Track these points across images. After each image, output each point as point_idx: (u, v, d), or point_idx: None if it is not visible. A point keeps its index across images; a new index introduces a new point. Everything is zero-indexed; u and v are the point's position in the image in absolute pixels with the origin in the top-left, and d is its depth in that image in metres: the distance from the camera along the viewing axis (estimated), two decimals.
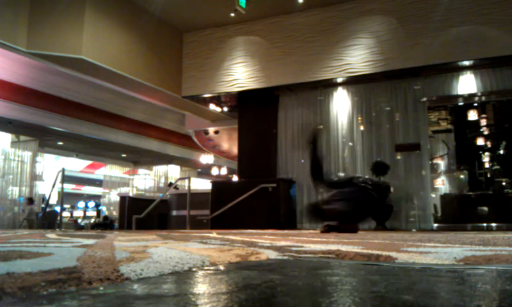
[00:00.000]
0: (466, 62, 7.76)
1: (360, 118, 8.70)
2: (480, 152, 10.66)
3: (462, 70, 8.01)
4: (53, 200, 14.90)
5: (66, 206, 20.95)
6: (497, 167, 10.09)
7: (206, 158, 16.19)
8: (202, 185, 20.19)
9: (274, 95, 9.36)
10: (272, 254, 1.59)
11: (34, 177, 13.59)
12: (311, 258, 1.49)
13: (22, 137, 13.30)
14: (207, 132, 12.64)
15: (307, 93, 9.10)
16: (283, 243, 2.28)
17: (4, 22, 7.09)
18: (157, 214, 9.42)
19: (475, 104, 9.13)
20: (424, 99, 8.25)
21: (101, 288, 0.85)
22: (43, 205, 12.99)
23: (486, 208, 8.28)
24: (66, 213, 20.16)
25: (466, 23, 7.51)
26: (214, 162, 17.32)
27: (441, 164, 10.95)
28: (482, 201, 8.50)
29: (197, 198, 8.79)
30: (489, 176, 10.26)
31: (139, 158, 17.78)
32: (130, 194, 12.74)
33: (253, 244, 2.22)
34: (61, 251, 1.59)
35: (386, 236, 3.38)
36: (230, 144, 13.59)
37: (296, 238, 2.96)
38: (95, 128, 12.90)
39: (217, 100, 10.36)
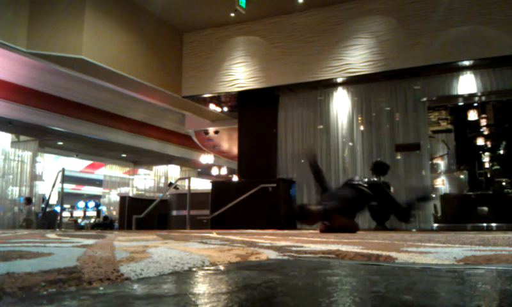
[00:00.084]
0: (466, 62, 7.76)
1: (360, 118, 8.70)
2: (480, 152, 10.66)
3: (462, 70, 8.02)
4: (53, 200, 14.90)
5: (66, 206, 20.95)
6: (497, 167, 10.08)
7: (206, 158, 16.19)
8: (202, 185, 20.20)
9: (274, 95, 9.36)
10: (272, 254, 1.59)
11: (34, 177, 13.59)
12: (311, 258, 1.49)
13: (22, 137, 13.31)
14: (207, 132, 12.64)
15: (307, 93, 9.10)
16: (283, 243, 2.28)
17: (4, 22, 7.09)
18: (157, 214, 9.43)
19: (475, 104, 9.13)
20: (424, 99, 8.26)
21: (101, 288, 0.85)
22: (43, 205, 13.00)
23: (486, 208, 8.27)
24: (66, 213, 20.16)
25: (466, 23, 7.52)
26: (214, 162, 17.33)
27: (441, 164, 10.95)
28: (482, 201, 8.50)
29: (197, 198, 8.79)
30: (489, 176, 10.26)
31: (139, 158, 17.78)
32: (130, 194, 12.74)
33: (253, 244, 2.22)
34: (61, 251, 1.59)
35: (386, 236, 3.38)
36: (230, 144, 13.59)
37: (296, 238, 2.96)
38: (95, 128, 12.91)
39: (217, 100, 10.36)
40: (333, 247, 1.82)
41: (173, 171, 19.00)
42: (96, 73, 8.35)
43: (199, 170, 20.28)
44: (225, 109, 10.86)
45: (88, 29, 7.57)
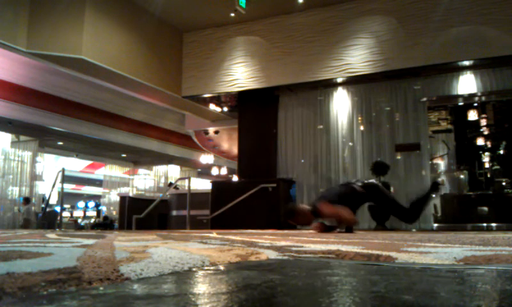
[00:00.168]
0: (466, 62, 7.76)
1: (360, 118, 8.70)
2: (480, 152, 10.66)
3: (462, 70, 8.01)
4: (53, 200, 14.90)
5: (66, 206, 20.95)
6: (497, 167, 10.08)
7: (206, 158, 16.19)
8: (202, 185, 20.20)
9: (274, 95, 9.36)
10: (272, 254, 1.59)
11: (34, 177, 13.59)
12: (311, 258, 1.49)
13: (22, 137, 13.30)
14: (207, 132, 12.64)
15: (307, 93, 9.10)
16: (283, 243, 2.28)
17: (4, 22, 7.09)
18: (157, 214, 9.43)
19: (475, 104, 9.13)
20: (424, 99, 8.25)
21: (101, 288, 0.85)
22: (43, 205, 12.99)
23: (486, 208, 8.27)
24: (66, 213, 20.16)
25: (466, 23, 7.51)
26: (214, 162, 17.33)
27: (441, 164, 10.95)
28: (482, 201, 8.50)
29: (197, 198, 8.79)
30: (489, 176, 10.26)
31: (139, 158, 17.78)
32: (130, 194, 12.74)
33: (253, 244, 2.22)
34: (61, 251, 1.59)
35: (386, 236, 3.38)
36: (230, 144, 13.59)
37: (296, 238, 2.96)
38: (95, 128, 12.91)
39: (217, 100, 10.36)
40: (333, 247, 1.82)
41: (173, 171, 18.99)
42: (96, 73, 8.35)
43: (199, 170, 20.28)
44: (225, 109, 10.86)
45: (88, 29, 7.56)
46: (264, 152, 9.21)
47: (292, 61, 8.74)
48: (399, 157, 8.28)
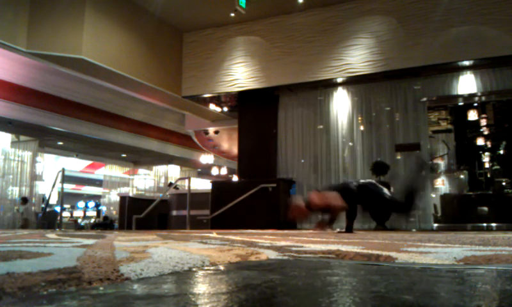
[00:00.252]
0: (466, 62, 7.76)
1: (360, 118, 8.70)
2: (480, 152, 10.66)
3: (462, 70, 8.01)
4: (53, 200, 14.90)
5: (66, 206, 20.95)
6: (497, 167, 10.08)
7: (206, 158, 16.19)
8: (202, 185, 20.19)
9: (274, 95, 9.36)
10: (272, 254, 1.59)
11: (34, 177, 13.59)
12: (311, 258, 1.49)
13: (22, 137, 13.30)
14: (207, 132, 12.64)
15: (307, 93, 9.10)
16: (283, 243, 2.28)
17: (4, 22, 7.09)
18: (157, 214, 9.42)
19: (475, 104, 9.13)
20: (424, 99, 8.25)
21: (101, 288, 0.85)
22: (43, 205, 12.99)
23: (486, 208, 8.27)
24: (66, 213, 20.16)
25: (466, 23, 7.51)
26: (214, 162, 17.32)
27: (441, 164, 10.95)
28: (482, 201, 8.50)
29: (197, 198, 8.79)
30: (489, 176, 10.26)
31: (139, 158, 17.78)
32: (130, 194, 12.73)
33: (253, 244, 2.22)
34: (61, 251, 1.59)
35: (386, 236, 3.38)
36: (230, 144, 13.59)
37: (295, 238, 2.96)
38: (95, 128, 12.90)
39: (217, 100, 10.36)
40: (333, 247, 1.82)
41: (173, 171, 18.99)
42: (96, 73, 8.35)
43: (199, 170, 20.28)
44: (225, 109, 10.86)
45: (88, 29, 7.56)
46: (264, 152, 9.21)
47: (292, 61, 8.74)
48: (399, 157, 8.28)
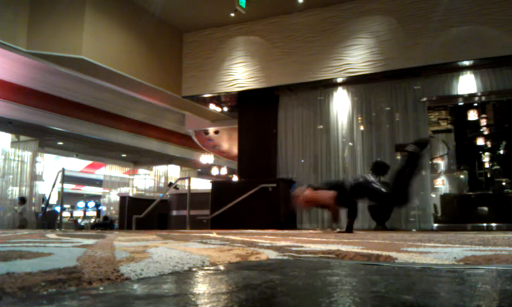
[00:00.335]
0: (466, 62, 7.76)
1: (360, 118, 8.69)
2: (480, 152, 10.67)
3: (462, 70, 8.01)
4: (53, 200, 14.90)
5: (66, 206, 20.96)
6: (497, 167, 10.09)
7: (206, 158, 16.19)
8: (202, 185, 20.19)
9: (274, 95, 9.36)
10: (272, 254, 1.59)
11: (34, 177, 13.59)
12: (311, 258, 1.49)
13: (22, 137, 13.30)
14: (207, 132, 12.64)
15: (307, 93, 9.10)
16: (283, 243, 2.28)
17: (4, 22, 7.09)
18: (157, 214, 9.42)
19: (475, 104, 9.13)
20: (424, 99, 8.25)
21: (101, 288, 0.85)
22: (43, 205, 13.00)
23: (486, 208, 8.28)
24: (66, 213, 20.17)
25: (466, 23, 7.51)
26: (214, 162, 17.32)
27: (441, 164, 10.95)
28: (482, 201, 8.50)
29: (197, 198, 8.79)
30: (489, 176, 10.27)
31: (139, 158, 17.78)
32: (130, 194, 12.74)
33: (253, 244, 2.22)
34: (61, 251, 1.59)
35: (386, 236, 3.38)
36: (230, 144, 13.59)
37: (295, 238, 2.96)
38: (95, 128, 12.90)
39: (217, 100, 10.36)
40: (333, 247, 1.82)
41: (173, 171, 18.99)
42: (96, 73, 8.35)
43: (199, 170, 20.28)
44: (225, 109, 10.86)
45: (88, 29, 7.56)
46: (264, 152, 9.21)
47: (292, 61, 8.73)
48: (399, 157, 8.27)
